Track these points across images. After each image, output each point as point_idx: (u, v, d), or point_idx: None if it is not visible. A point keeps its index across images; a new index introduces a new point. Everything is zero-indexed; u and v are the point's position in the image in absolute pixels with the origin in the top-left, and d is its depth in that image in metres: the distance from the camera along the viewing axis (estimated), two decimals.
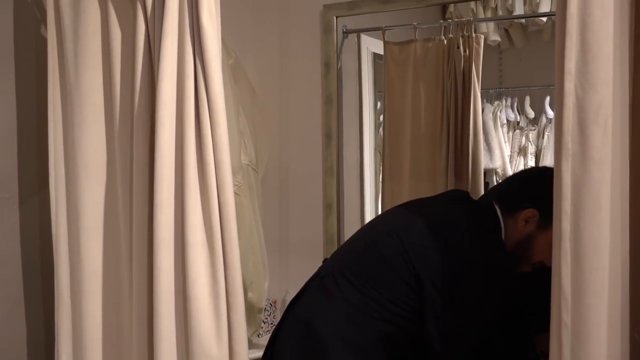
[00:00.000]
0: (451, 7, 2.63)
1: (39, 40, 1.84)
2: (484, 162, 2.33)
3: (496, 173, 2.45)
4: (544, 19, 2.50)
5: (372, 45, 2.55)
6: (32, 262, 1.84)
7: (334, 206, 2.45)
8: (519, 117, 2.59)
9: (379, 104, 2.60)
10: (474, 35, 2.21)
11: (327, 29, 2.44)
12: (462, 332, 1.43)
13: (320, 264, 1.75)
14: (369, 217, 2.56)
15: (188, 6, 1.42)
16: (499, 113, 2.56)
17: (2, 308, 1.77)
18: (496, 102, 2.58)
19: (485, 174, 2.36)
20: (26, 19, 1.81)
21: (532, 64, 2.74)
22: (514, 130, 2.59)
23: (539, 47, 2.71)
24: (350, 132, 2.54)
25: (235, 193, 2.18)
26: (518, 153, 2.52)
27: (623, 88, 1.05)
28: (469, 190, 2.10)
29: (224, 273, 1.46)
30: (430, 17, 2.54)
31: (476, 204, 1.62)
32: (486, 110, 2.51)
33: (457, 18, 2.40)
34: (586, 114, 0.99)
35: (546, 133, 2.50)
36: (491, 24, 2.57)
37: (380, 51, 2.45)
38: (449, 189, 2.18)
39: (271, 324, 2.57)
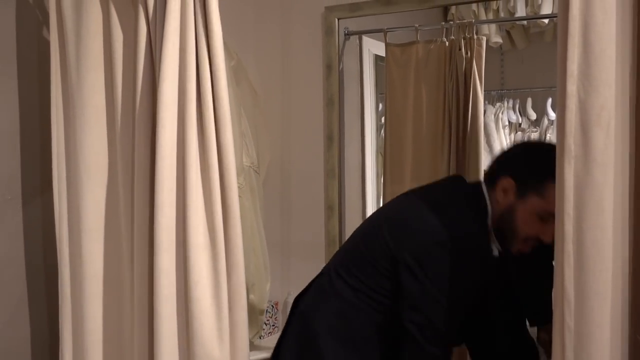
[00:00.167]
0: (453, 9, 2.63)
1: (41, 42, 1.84)
2: (486, 164, 2.33)
3: None
4: (546, 20, 2.50)
5: (373, 47, 2.55)
6: (35, 263, 1.84)
7: (335, 208, 2.45)
8: (520, 119, 2.59)
9: (380, 105, 2.60)
10: (475, 37, 2.21)
11: (328, 31, 2.44)
12: (431, 309, 1.41)
13: (321, 265, 1.78)
14: None
15: (198, 8, 1.43)
16: (500, 115, 2.57)
17: (6, 309, 1.77)
18: (498, 104, 2.59)
19: None
20: (28, 21, 1.82)
21: (534, 66, 2.75)
22: (516, 132, 2.60)
23: (541, 48, 2.71)
24: (351, 133, 2.54)
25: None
26: None
27: (625, 90, 1.05)
28: None
29: (226, 275, 1.46)
30: (432, 19, 2.54)
31: (465, 184, 1.60)
32: (488, 112, 2.51)
33: (459, 20, 2.40)
34: (589, 116, 0.98)
35: (548, 135, 2.51)
36: (493, 26, 2.57)
37: (382, 53, 2.45)
38: None
39: (273, 325, 2.57)
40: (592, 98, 0.98)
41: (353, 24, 2.46)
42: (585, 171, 0.98)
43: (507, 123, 2.58)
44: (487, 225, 1.48)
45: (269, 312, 2.53)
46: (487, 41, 2.34)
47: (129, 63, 1.56)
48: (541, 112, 2.55)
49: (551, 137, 2.48)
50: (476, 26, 2.28)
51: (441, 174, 2.21)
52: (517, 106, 2.59)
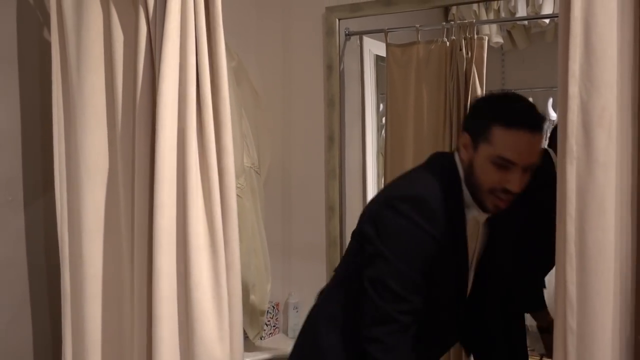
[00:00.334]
0: (453, 9, 2.63)
1: (42, 43, 1.84)
2: None
3: None
4: (547, 20, 2.50)
5: (374, 47, 2.54)
6: (37, 263, 1.84)
7: (336, 209, 2.44)
8: None
9: (381, 106, 2.60)
10: (476, 37, 2.21)
11: (329, 32, 2.44)
12: (382, 267, 1.41)
13: (322, 266, 1.77)
14: None
15: (199, 8, 1.43)
16: None
17: (9, 310, 1.77)
18: None
19: None
20: (29, 22, 1.82)
21: (534, 66, 2.75)
22: None
23: (542, 48, 2.71)
24: (352, 134, 2.54)
25: (238, 195, 2.18)
26: None
27: (627, 90, 1.05)
28: None
29: (226, 275, 1.46)
30: (433, 19, 2.54)
31: (445, 154, 1.60)
32: None
33: (460, 20, 2.40)
34: (590, 117, 0.98)
35: (549, 134, 2.50)
36: (494, 26, 2.57)
37: (383, 53, 2.44)
38: None
39: (274, 326, 2.57)
40: (594, 99, 0.98)
41: (354, 24, 2.46)
42: (588, 172, 0.98)
43: None
44: (457, 188, 1.46)
45: (270, 313, 2.53)
46: (488, 41, 2.33)
47: (129, 63, 1.56)
48: (542, 112, 2.55)
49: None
50: (477, 26, 2.28)
51: None
52: None
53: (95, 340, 1.61)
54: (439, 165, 1.51)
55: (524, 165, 1.36)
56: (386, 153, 2.43)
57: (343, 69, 2.46)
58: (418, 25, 2.33)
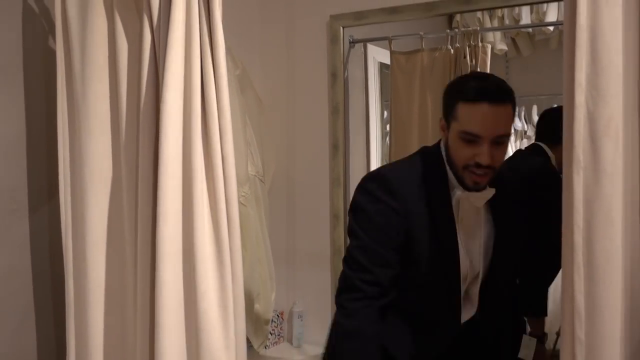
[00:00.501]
0: (457, 17, 2.62)
1: (47, 51, 1.85)
2: None
3: None
4: (551, 28, 2.50)
5: (378, 54, 2.54)
6: (42, 272, 1.84)
7: (341, 217, 2.43)
8: (526, 126, 2.58)
9: (385, 113, 2.60)
10: (480, 44, 2.21)
11: (334, 39, 2.44)
12: (353, 242, 1.54)
13: (327, 275, 1.77)
14: None
15: (203, 17, 1.43)
16: None
17: (14, 317, 1.77)
18: None
19: None
20: (34, 31, 1.82)
21: (539, 73, 2.74)
22: (522, 140, 2.58)
23: (546, 55, 2.70)
24: (357, 141, 2.53)
25: (242, 204, 2.19)
26: None
27: (633, 99, 1.04)
28: None
29: (231, 284, 1.46)
30: (437, 27, 2.53)
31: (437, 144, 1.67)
32: None
33: (464, 27, 2.40)
34: (597, 126, 0.98)
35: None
36: (498, 33, 2.56)
37: (387, 61, 2.45)
38: None
39: (278, 335, 2.56)
40: (601, 108, 0.98)
41: (358, 32, 2.46)
42: (595, 181, 0.97)
43: (512, 130, 2.57)
44: (439, 170, 1.53)
45: (275, 322, 2.52)
46: (492, 48, 2.33)
47: (133, 72, 1.56)
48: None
49: None
50: (481, 34, 2.28)
51: None
52: (522, 113, 2.57)
53: (98, 348, 1.61)
54: (421, 152, 1.60)
55: (490, 137, 1.41)
56: (390, 160, 2.43)
57: (347, 76, 2.46)
58: (422, 33, 2.33)
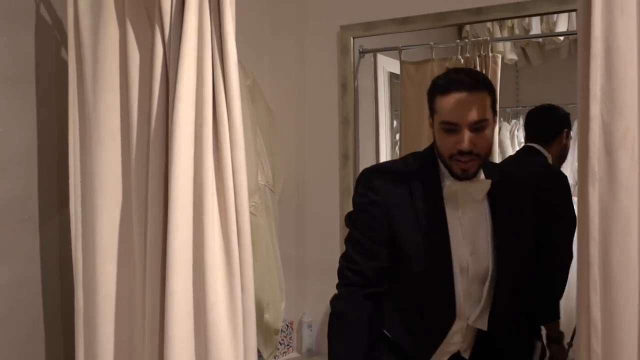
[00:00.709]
0: (467, 27, 2.62)
1: (60, 62, 1.86)
2: None
3: None
4: (561, 37, 2.49)
5: (388, 64, 2.55)
6: (51, 282, 1.84)
7: None
8: None
9: (395, 122, 2.60)
10: (490, 54, 2.21)
11: (344, 50, 2.45)
12: (349, 230, 1.67)
13: None
14: None
15: (214, 28, 1.43)
16: (516, 132, 2.55)
17: (23, 329, 1.77)
18: (513, 121, 2.57)
19: None
20: (47, 41, 1.83)
21: (549, 82, 2.73)
22: None
23: (556, 65, 2.70)
24: (366, 151, 2.53)
25: (252, 213, 2.18)
26: None
27: None
28: None
29: (241, 295, 1.45)
30: (447, 37, 2.53)
31: None
32: (503, 129, 2.50)
33: (474, 37, 2.40)
34: (613, 138, 0.97)
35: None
36: (508, 43, 2.56)
37: (397, 71, 2.45)
38: None
39: (288, 345, 2.55)
40: (617, 120, 0.97)
41: (368, 42, 2.46)
42: (611, 194, 0.96)
43: (522, 140, 2.56)
44: (431, 164, 1.61)
45: (284, 332, 2.51)
46: (502, 58, 2.33)
47: (144, 82, 1.57)
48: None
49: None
50: (491, 44, 2.28)
51: None
52: None
53: (107, 358, 1.60)
54: (416, 151, 1.70)
55: (468, 124, 1.49)
56: None
57: (357, 86, 2.46)
58: (432, 43, 2.34)
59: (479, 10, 2.22)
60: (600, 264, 0.97)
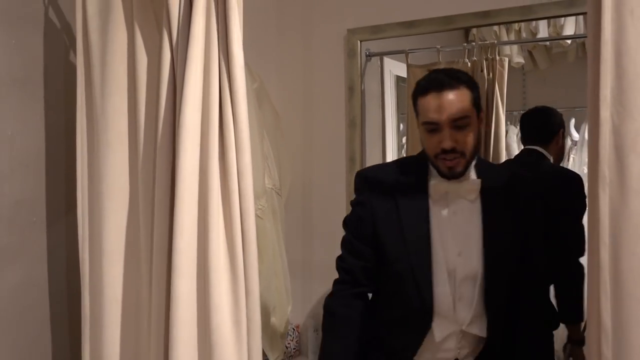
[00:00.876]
0: (474, 30, 2.62)
1: (68, 65, 1.86)
2: None
3: None
4: (568, 41, 2.49)
5: (395, 68, 2.54)
6: (58, 285, 1.85)
7: None
8: None
9: (401, 126, 2.59)
10: (497, 57, 2.20)
11: (351, 53, 2.45)
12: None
13: None
14: None
15: (222, 33, 1.43)
16: None
17: (30, 331, 1.77)
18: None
19: None
20: (56, 45, 1.84)
21: (556, 86, 2.72)
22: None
23: (563, 68, 2.69)
24: (373, 154, 2.53)
25: (259, 217, 2.18)
26: None
27: None
28: None
29: (245, 300, 1.45)
30: (454, 40, 2.53)
31: None
32: (510, 133, 2.49)
33: (481, 41, 2.40)
34: (623, 142, 0.97)
35: (571, 155, 2.47)
36: (515, 46, 2.56)
37: (403, 74, 2.44)
38: None
39: (294, 348, 2.54)
40: (627, 124, 0.97)
41: (374, 46, 2.46)
42: (621, 198, 0.96)
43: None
44: (421, 165, 1.64)
45: (290, 336, 2.51)
46: (509, 62, 2.32)
47: (152, 86, 1.57)
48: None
49: (574, 157, 2.44)
50: (498, 47, 2.27)
51: None
52: None
53: None
54: (408, 155, 1.83)
55: (448, 121, 1.50)
56: None
57: (364, 89, 2.46)
58: (439, 46, 2.33)
59: (485, 14, 2.22)
60: (610, 268, 0.96)
